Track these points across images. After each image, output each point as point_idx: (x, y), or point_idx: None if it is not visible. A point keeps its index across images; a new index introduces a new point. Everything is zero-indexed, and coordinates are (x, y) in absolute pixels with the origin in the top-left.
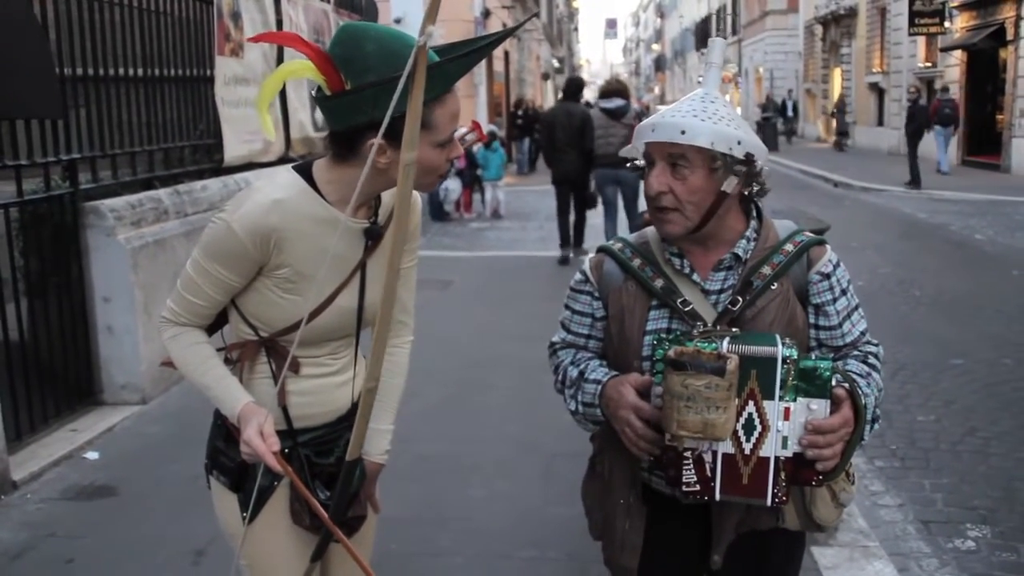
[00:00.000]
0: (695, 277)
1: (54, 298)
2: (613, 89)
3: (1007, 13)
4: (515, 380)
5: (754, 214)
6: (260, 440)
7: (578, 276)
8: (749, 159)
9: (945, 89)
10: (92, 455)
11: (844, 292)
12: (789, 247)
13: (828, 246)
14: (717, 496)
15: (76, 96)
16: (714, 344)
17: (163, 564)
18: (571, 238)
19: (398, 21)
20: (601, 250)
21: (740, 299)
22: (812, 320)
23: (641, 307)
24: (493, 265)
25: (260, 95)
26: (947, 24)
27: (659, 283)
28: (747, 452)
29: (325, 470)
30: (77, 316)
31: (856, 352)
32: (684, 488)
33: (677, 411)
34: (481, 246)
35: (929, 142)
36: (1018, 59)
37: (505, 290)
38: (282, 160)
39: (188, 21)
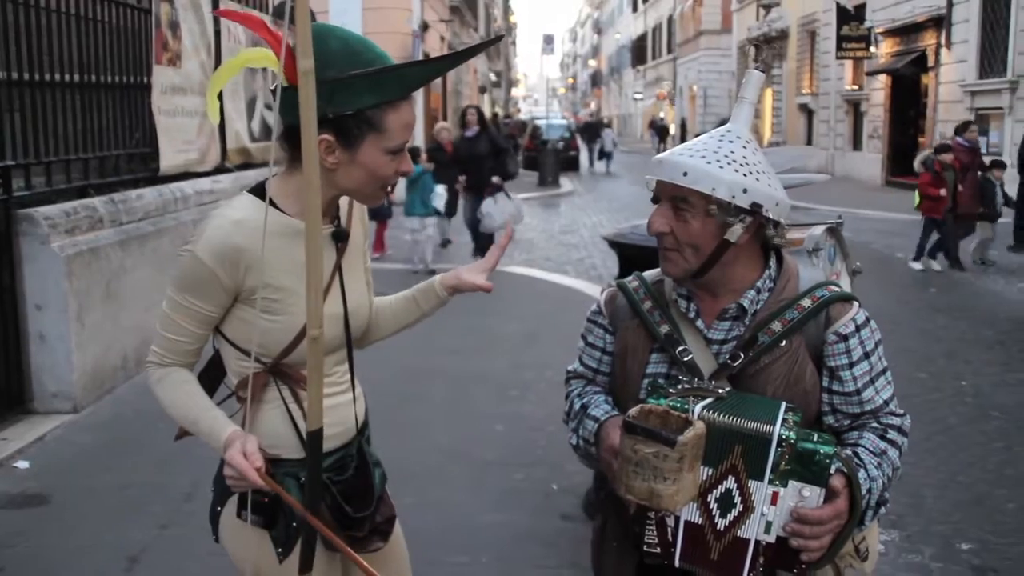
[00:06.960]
0: (699, 323)
1: None
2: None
3: (928, 41)
4: (448, 392)
5: (772, 263)
6: (242, 458)
7: (594, 307)
8: (755, 209)
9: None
10: (22, 464)
11: (867, 356)
12: (807, 302)
13: (856, 303)
14: (676, 562)
15: (11, 101)
16: (688, 406)
17: (96, 571)
18: None
19: None
20: (615, 285)
21: (742, 355)
22: (826, 384)
23: (644, 349)
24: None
25: (215, 78)
26: (872, 49)
27: (664, 328)
28: (720, 528)
29: (343, 484)
30: (8, 324)
31: (875, 424)
32: (645, 548)
33: (626, 474)
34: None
35: None
36: (939, 85)
37: None
38: (217, 170)
39: (126, 29)
